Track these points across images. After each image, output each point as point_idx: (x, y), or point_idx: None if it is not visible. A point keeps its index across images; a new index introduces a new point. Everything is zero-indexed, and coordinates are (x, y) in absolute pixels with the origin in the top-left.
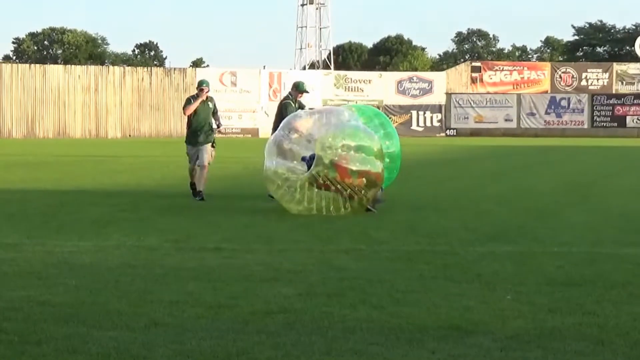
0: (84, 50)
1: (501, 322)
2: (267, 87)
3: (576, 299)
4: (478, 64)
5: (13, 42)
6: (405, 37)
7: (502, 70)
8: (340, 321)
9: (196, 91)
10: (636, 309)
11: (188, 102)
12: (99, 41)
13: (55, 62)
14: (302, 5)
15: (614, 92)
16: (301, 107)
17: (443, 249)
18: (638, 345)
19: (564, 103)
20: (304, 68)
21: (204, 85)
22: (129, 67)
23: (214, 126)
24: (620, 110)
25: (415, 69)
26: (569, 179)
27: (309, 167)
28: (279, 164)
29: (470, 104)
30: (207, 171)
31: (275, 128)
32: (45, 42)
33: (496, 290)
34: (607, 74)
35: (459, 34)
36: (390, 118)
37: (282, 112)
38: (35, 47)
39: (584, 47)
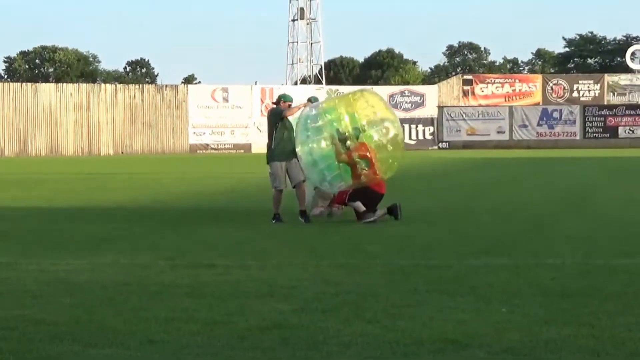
0: (76, 68)
1: (496, 335)
2: (259, 102)
3: (571, 310)
4: (469, 76)
5: (4, 61)
6: (397, 51)
7: (494, 82)
8: (335, 336)
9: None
10: (631, 320)
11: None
12: (91, 59)
13: (47, 81)
14: (293, 20)
15: (605, 103)
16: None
17: (437, 262)
18: (634, 356)
19: (555, 115)
20: (296, 83)
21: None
22: (121, 85)
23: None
24: (612, 121)
25: (407, 83)
26: (562, 190)
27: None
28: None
29: (463, 116)
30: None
31: (270, 136)
32: (37, 61)
33: (491, 303)
34: (599, 85)
35: (450, 47)
36: None
37: (272, 117)
38: (27, 66)
39: (575, 59)
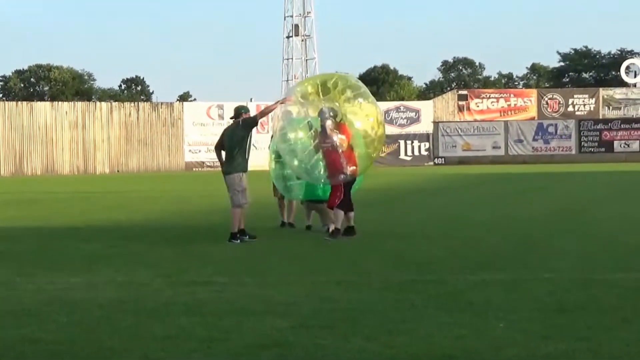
0: (71, 86)
1: (494, 350)
2: None
3: (569, 325)
4: (464, 92)
5: None
6: (391, 67)
7: (489, 97)
8: (333, 353)
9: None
10: (629, 334)
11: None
12: (86, 77)
13: (42, 99)
14: (288, 37)
15: (600, 117)
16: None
17: (434, 278)
18: None
19: (551, 129)
20: None
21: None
22: (116, 103)
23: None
24: (607, 135)
25: (402, 99)
26: (558, 205)
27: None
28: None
29: (458, 132)
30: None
31: (231, 150)
32: (32, 79)
33: (488, 318)
34: (594, 99)
35: (444, 62)
36: None
37: (248, 128)
38: (22, 85)
39: (570, 73)
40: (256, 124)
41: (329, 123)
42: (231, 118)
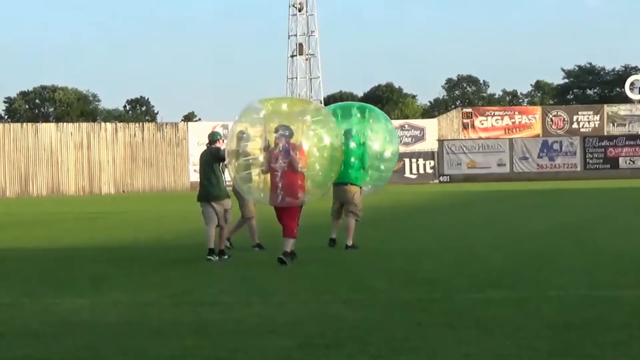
0: (76, 107)
1: None
2: None
3: (575, 342)
4: (469, 109)
5: (4, 102)
6: (396, 85)
7: (494, 115)
8: None
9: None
10: (636, 351)
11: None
12: (90, 98)
13: (47, 120)
14: (292, 56)
15: (605, 133)
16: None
17: (440, 296)
18: None
19: (556, 146)
20: None
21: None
22: (121, 123)
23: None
24: (612, 152)
25: (407, 117)
26: (564, 222)
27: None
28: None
29: (463, 149)
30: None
31: (207, 175)
32: (37, 101)
33: (495, 336)
34: (598, 116)
35: (449, 80)
36: None
37: (212, 158)
38: (27, 106)
39: (574, 90)
40: (219, 159)
41: (288, 142)
42: (208, 144)
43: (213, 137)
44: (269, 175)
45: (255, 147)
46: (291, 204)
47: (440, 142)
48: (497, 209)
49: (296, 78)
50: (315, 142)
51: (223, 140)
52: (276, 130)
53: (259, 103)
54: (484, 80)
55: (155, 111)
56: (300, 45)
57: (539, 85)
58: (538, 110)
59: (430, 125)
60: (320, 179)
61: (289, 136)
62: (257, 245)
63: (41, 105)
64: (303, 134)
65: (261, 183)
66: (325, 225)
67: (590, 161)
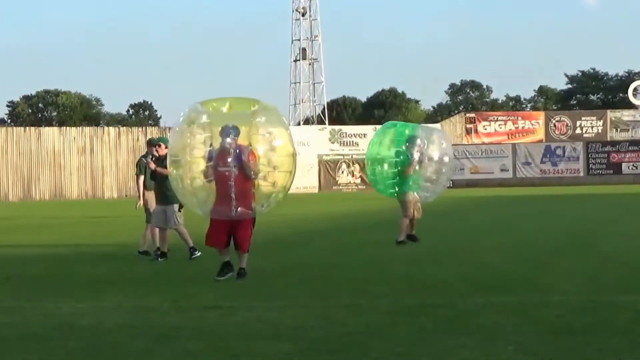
0: (79, 111)
1: None
2: None
3: (578, 347)
4: (472, 114)
5: (7, 106)
6: (399, 90)
7: (497, 120)
8: None
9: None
10: (637, 357)
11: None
12: (94, 102)
13: (50, 124)
14: (295, 61)
15: (608, 139)
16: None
17: (443, 301)
18: None
19: (559, 152)
20: (299, 124)
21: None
22: (124, 127)
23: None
24: (615, 157)
25: (410, 122)
26: (567, 228)
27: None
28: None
29: (466, 155)
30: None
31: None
32: (40, 105)
33: (497, 341)
34: (601, 121)
35: (452, 85)
36: None
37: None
38: (30, 110)
39: (578, 95)
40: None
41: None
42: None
43: (165, 143)
44: (213, 183)
45: (198, 155)
46: (245, 215)
47: None
48: (500, 215)
49: (299, 83)
50: (270, 145)
51: (166, 147)
52: (222, 133)
53: (201, 106)
54: (487, 86)
55: (158, 115)
56: (304, 50)
57: (542, 91)
58: (541, 115)
59: None
60: (282, 184)
61: (235, 136)
62: (155, 252)
63: (44, 110)
64: (254, 136)
65: (201, 190)
66: (325, 231)
67: (593, 166)
